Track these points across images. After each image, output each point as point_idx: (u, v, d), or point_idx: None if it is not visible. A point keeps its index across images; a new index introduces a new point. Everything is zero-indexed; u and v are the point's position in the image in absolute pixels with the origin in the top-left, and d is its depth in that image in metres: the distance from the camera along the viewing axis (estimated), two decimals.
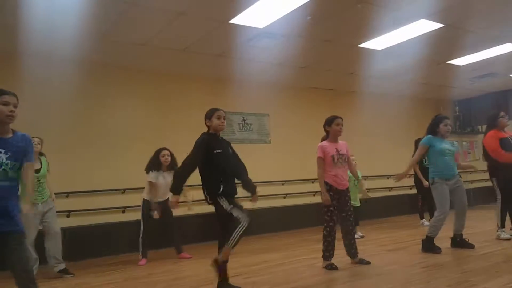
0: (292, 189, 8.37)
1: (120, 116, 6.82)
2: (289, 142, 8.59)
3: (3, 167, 2.55)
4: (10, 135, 2.66)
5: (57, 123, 6.23)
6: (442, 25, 6.11)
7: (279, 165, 8.29)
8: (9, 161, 2.58)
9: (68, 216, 6.04)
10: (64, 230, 5.00)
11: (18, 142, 2.67)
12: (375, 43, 6.71)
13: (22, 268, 2.57)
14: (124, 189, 6.51)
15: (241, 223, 3.42)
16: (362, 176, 6.20)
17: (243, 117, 8.14)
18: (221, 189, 3.51)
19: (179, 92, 7.48)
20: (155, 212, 5.52)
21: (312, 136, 8.57)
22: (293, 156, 8.52)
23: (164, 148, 5.63)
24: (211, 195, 3.55)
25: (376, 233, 6.82)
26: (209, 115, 3.71)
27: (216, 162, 3.54)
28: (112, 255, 6.16)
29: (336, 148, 4.31)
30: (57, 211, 5.13)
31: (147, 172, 5.57)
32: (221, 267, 3.48)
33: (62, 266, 4.89)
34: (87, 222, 6.26)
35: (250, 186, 3.68)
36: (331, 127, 4.35)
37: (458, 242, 4.91)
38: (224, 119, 3.71)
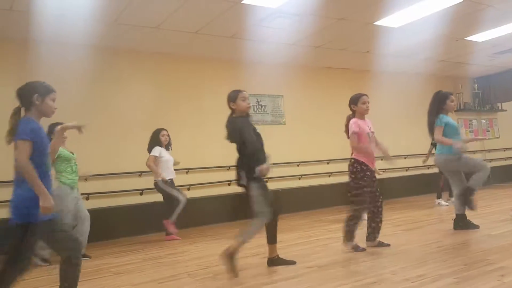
0: (307, 170, 8.37)
1: (134, 99, 6.87)
2: (303, 123, 8.55)
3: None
4: None
5: (73, 108, 6.29)
6: (460, 0, 5.93)
7: (294, 146, 8.28)
8: None
9: (87, 198, 6.17)
10: None
11: None
12: (391, 21, 6.57)
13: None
14: (141, 172, 6.60)
15: (258, 219, 3.49)
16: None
17: (257, 99, 8.12)
18: (256, 173, 3.53)
19: (192, 75, 7.48)
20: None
21: (327, 117, 8.55)
22: (308, 137, 8.49)
23: (163, 129, 6.01)
24: (247, 177, 3.55)
25: (391, 213, 6.80)
26: (233, 98, 3.68)
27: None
28: (130, 237, 6.30)
29: (367, 126, 4.23)
30: None
31: (150, 151, 5.89)
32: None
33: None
34: (105, 204, 6.39)
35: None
36: (358, 106, 4.20)
37: (466, 222, 4.81)
38: (249, 99, 3.74)
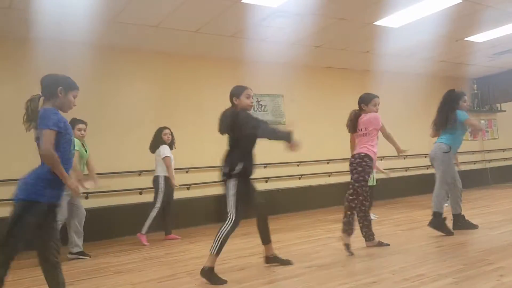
0: (307, 170, 8.37)
1: (134, 98, 6.86)
2: (304, 123, 8.53)
3: None
4: None
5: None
6: (460, 1, 5.94)
7: None
8: None
9: (86, 197, 6.17)
10: None
11: None
12: (391, 21, 6.57)
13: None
14: (141, 171, 6.59)
15: (227, 222, 3.34)
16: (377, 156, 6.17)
17: (257, 99, 8.11)
18: (240, 169, 3.43)
19: (192, 74, 7.48)
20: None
21: (327, 117, 8.55)
22: (308, 137, 8.41)
23: (165, 127, 5.92)
24: (228, 173, 3.48)
25: (391, 213, 6.81)
26: (237, 93, 3.53)
27: (247, 140, 3.51)
28: (130, 236, 6.29)
29: None
30: None
31: (153, 151, 5.84)
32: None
33: (78, 248, 4.86)
34: (105, 203, 6.39)
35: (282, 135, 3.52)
36: (368, 107, 4.21)
37: (464, 222, 4.77)
38: (253, 98, 3.60)
